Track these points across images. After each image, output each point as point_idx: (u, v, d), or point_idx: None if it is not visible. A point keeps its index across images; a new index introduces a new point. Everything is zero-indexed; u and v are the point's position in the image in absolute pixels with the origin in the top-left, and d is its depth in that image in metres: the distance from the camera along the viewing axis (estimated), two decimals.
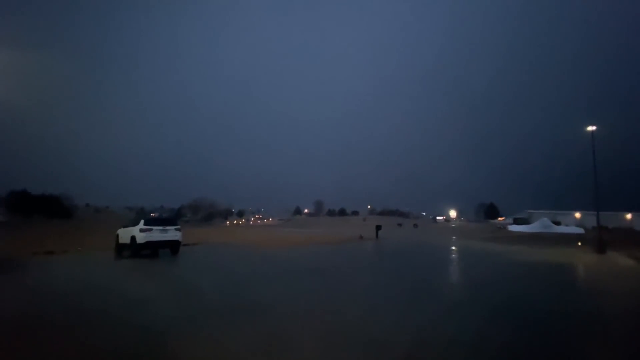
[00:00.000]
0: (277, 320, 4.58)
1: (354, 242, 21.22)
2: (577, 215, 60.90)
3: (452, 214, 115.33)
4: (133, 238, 12.49)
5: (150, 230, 12.45)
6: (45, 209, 63.61)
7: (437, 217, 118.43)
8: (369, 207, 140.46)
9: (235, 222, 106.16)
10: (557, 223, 45.32)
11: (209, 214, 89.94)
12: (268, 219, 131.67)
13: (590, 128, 17.12)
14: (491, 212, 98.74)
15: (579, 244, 21.41)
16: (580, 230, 37.73)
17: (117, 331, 4.06)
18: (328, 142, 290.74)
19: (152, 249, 12.88)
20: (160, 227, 12.79)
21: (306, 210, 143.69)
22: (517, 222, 56.54)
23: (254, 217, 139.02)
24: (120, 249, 13.85)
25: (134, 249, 12.41)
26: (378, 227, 26.93)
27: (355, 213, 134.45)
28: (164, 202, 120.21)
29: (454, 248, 17.76)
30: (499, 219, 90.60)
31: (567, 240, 24.77)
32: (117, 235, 14.29)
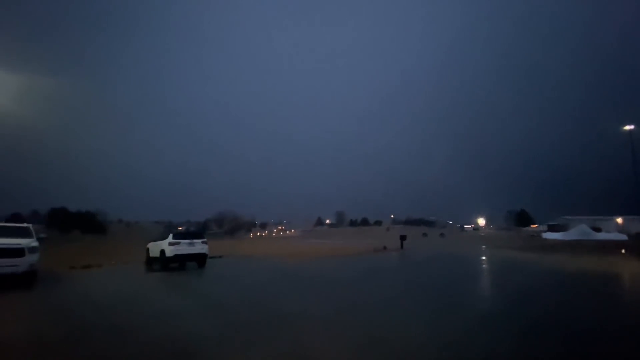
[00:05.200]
0: (303, 330, 4.56)
1: (377, 254, 20.81)
2: (619, 220, 56.61)
3: (481, 222, 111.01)
4: (162, 251, 12.92)
5: (179, 243, 12.84)
6: (82, 225, 67.37)
7: (465, 226, 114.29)
8: (391, 216, 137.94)
9: (258, 234, 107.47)
10: (597, 229, 42.27)
11: (233, 226, 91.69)
12: (290, 231, 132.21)
13: (628, 127, 16.09)
14: (522, 219, 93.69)
15: (622, 251, 19.87)
16: (623, 237, 35.00)
17: (156, 341, 4.18)
18: (350, 152, 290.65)
19: (180, 262, 13.26)
20: (188, 241, 13.16)
21: (328, 221, 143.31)
22: (552, 229, 53.46)
23: (276, 228, 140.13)
24: (150, 262, 14.36)
25: (163, 262, 12.81)
26: (402, 237, 26.18)
27: (378, 223, 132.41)
28: (190, 215, 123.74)
29: (487, 258, 16.95)
30: (532, 226, 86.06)
31: (609, 248, 23.04)
32: (148, 249, 14.86)
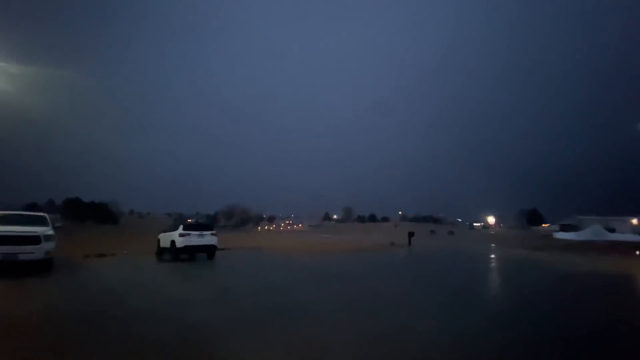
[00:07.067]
0: (308, 320, 4.62)
1: (384, 250, 20.76)
2: (634, 221, 55.13)
3: (490, 220, 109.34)
4: (173, 242, 13.13)
5: (189, 235, 13.02)
6: (95, 215, 69.03)
7: (474, 224, 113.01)
8: (399, 213, 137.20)
9: (266, 227, 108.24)
10: (611, 230, 41.28)
11: (241, 219, 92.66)
12: (298, 225, 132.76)
13: None
14: (534, 218, 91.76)
15: (638, 253, 19.40)
16: (638, 238, 34.15)
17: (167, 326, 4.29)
18: (358, 147, 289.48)
19: (189, 253, 13.46)
20: (198, 232, 13.32)
21: (335, 216, 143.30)
22: (564, 229, 52.36)
23: (284, 222, 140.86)
24: (161, 252, 14.62)
25: (174, 253, 13.03)
26: (410, 234, 26.07)
27: (385, 219, 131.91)
28: (199, 208, 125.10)
29: (498, 257, 16.74)
30: (544, 225, 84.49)
31: (624, 249, 22.51)
32: (159, 240, 15.12)
